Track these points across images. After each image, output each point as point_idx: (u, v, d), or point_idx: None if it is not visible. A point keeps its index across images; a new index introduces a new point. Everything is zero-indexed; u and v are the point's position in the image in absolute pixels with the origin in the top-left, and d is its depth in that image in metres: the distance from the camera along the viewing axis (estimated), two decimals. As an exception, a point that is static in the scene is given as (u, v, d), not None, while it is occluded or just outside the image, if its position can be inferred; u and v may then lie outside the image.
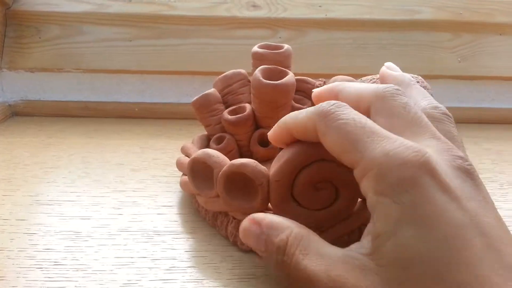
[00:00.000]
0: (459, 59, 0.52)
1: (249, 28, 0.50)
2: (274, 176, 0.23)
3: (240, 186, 0.24)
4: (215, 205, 0.27)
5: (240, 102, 0.35)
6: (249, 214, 0.23)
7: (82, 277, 0.24)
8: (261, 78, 0.31)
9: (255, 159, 0.33)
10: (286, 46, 0.35)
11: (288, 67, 0.34)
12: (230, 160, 0.32)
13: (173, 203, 0.32)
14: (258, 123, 0.34)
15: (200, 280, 0.24)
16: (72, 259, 0.25)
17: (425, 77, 0.51)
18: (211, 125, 0.34)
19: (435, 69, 0.51)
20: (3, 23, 0.48)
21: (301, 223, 0.22)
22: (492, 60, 0.52)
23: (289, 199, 0.23)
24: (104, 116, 0.49)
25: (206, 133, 0.36)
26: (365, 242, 0.18)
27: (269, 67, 0.33)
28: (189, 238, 0.28)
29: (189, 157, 0.31)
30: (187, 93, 0.50)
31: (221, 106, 0.34)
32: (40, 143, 0.42)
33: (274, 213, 0.24)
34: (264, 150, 0.34)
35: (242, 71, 0.35)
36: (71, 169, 0.37)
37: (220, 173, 0.24)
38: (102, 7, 0.49)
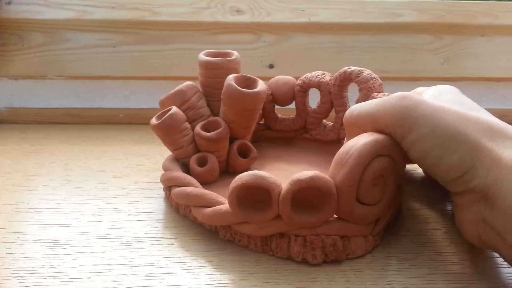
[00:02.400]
0: (441, 60, 0.52)
1: (233, 33, 0.51)
2: (346, 181, 0.23)
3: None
4: (272, 228, 0.25)
5: (202, 116, 0.34)
6: (318, 226, 0.24)
7: (59, 285, 0.24)
8: (239, 88, 0.31)
9: (235, 172, 0.34)
10: (234, 52, 0.35)
11: (239, 73, 0.34)
12: (212, 179, 0.32)
13: (154, 209, 0.32)
14: (232, 134, 0.34)
15: (178, 286, 0.24)
16: (50, 267, 0.25)
17: (409, 79, 0.52)
18: (183, 147, 0.32)
19: (418, 71, 0.52)
20: (-15, 31, 0.48)
21: (362, 220, 0.25)
22: (475, 61, 0.53)
23: (355, 200, 0.24)
24: (88, 122, 0.49)
25: (171, 154, 0.34)
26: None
27: (237, 76, 0.32)
28: (168, 244, 0.28)
29: (181, 185, 0.29)
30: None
31: (188, 125, 0.33)
32: (22, 151, 0.41)
33: (341, 217, 0.25)
34: (246, 162, 0.34)
35: (193, 83, 0.34)
36: (53, 176, 0.36)
37: (285, 192, 0.23)
38: (85, 14, 0.49)
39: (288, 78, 0.38)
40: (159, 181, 0.36)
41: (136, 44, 0.50)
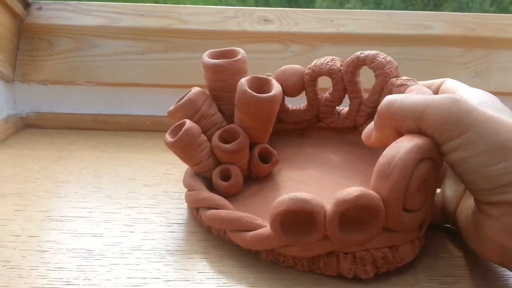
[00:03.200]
0: (473, 74, 0.51)
1: (260, 42, 0.50)
2: (393, 195, 0.23)
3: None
4: (319, 249, 0.24)
5: (215, 124, 0.32)
6: (367, 243, 0.24)
7: (95, 298, 0.23)
8: (254, 94, 0.29)
9: (258, 177, 0.33)
10: (239, 50, 0.32)
11: (246, 72, 0.32)
12: (236, 191, 0.32)
13: (185, 220, 0.31)
14: (251, 140, 0.32)
15: (214, 302, 0.24)
16: (84, 279, 0.25)
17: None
18: (203, 162, 0.31)
19: (447, 84, 0.51)
20: (16, 36, 0.49)
21: (410, 227, 0.24)
22: (506, 75, 0.52)
23: (402, 210, 0.23)
24: (115, 129, 0.49)
25: (190, 169, 0.32)
26: None
27: (249, 79, 0.30)
28: (201, 258, 0.27)
29: (212, 207, 0.28)
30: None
31: (204, 137, 0.31)
32: (51, 156, 0.41)
33: (388, 228, 0.24)
34: (268, 167, 0.33)
35: (200, 89, 0.32)
36: (83, 183, 0.36)
37: (331, 214, 0.23)
38: (114, 21, 0.49)
39: (296, 67, 0.35)
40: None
41: (163, 52, 0.50)
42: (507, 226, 0.22)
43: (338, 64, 0.34)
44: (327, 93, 0.35)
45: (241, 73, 0.32)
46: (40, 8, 0.50)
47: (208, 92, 0.33)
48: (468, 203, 0.26)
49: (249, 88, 0.30)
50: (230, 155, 0.31)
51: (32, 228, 0.30)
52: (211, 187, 0.31)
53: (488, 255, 0.24)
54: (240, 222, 0.27)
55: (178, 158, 0.31)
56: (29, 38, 0.49)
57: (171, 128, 0.31)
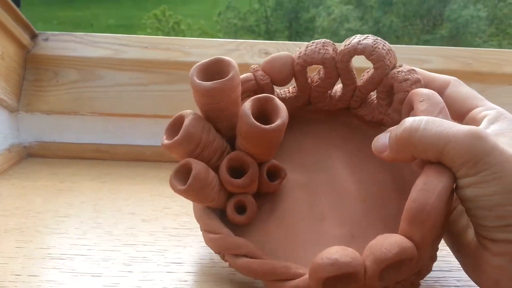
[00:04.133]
0: (468, 108, 0.52)
1: (261, 75, 0.51)
2: (426, 241, 0.23)
3: None
4: None
5: (217, 150, 0.30)
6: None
7: None
8: (261, 126, 0.27)
9: (265, 193, 0.32)
10: (229, 62, 0.29)
11: (239, 85, 0.30)
12: (251, 220, 0.31)
13: (183, 259, 0.32)
14: (257, 161, 0.31)
15: None
16: (83, 322, 0.25)
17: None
18: (215, 198, 0.30)
19: (444, 118, 0.52)
20: (22, 66, 0.50)
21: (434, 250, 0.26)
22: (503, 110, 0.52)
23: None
24: (116, 159, 0.50)
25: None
26: None
27: (251, 104, 0.28)
28: (199, 301, 0.28)
29: (241, 254, 0.28)
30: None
31: (213, 173, 0.29)
32: (52, 188, 0.42)
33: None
34: (277, 185, 0.31)
35: (195, 114, 0.29)
36: (83, 218, 0.37)
37: (372, 272, 0.23)
38: (118, 53, 0.50)
39: (284, 56, 0.32)
40: (186, 227, 0.36)
41: (166, 84, 0.51)
42: (505, 263, 0.22)
43: (330, 50, 0.31)
44: (317, 77, 0.33)
45: (236, 89, 0.29)
46: (46, 39, 0.51)
47: (201, 114, 0.30)
48: (472, 232, 0.26)
49: (252, 113, 0.28)
50: (243, 188, 0.30)
51: (32, 267, 0.30)
52: (222, 215, 0.31)
53: (483, 286, 0.24)
54: (275, 272, 0.27)
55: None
56: (35, 69, 0.50)
57: (176, 170, 0.29)
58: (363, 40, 0.30)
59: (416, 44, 5.72)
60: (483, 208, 0.23)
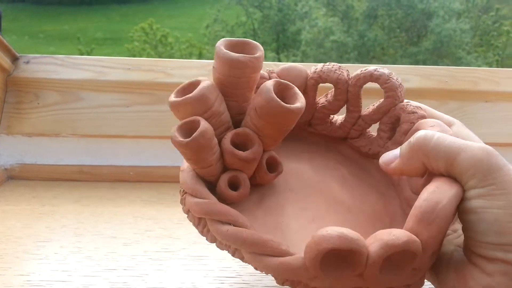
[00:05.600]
0: (446, 125, 0.53)
1: (243, 95, 0.52)
2: (431, 241, 0.23)
3: None
4: (348, 283, 0.24)
5: (223, 124, 0.29)
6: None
7: None
8: (284, 104, 0.27)
9: (258, 184, 0.31)
10: (257, 45, 0.29)
11: (260, 70, 0.30)
12: (242, 200, 0.29)
13: (164, 284, 0.32)
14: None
15: None
16: None
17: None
18: (212, 165, 0.28)
19: (423, 136, 0.53)
20: (3, 89, 0.50)
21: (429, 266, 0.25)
22: (479, 126, 0.54)
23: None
24: (99, 180, 0.50)
25: (189, 168, 0.29)
26: None
27: (275, 84, 0.28)
28: (178, 327, 0.28)
29: (228, 222, 0.26)
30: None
31: (216, 140, 0.28)
32: (33, 212, 0.42)
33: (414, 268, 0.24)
34: (273, 176, 0.31)
35: (211, 82, 0.28)
36: (64, 243, 0.37)
37: (376, 257, 0.22)
38: (101, 75, 0.51)
39: (300, 68, 0.33)
40: (168, 250, 0.36)
41: (149, 104, 0.51)
42: (496, 283, 0.23)
43: (345, 74, 0.32)
44: (325, 99, 0.33)
45: (258, 71, 0.28)
46: (27, 62, 0.51)
47: (216, 85, 0.29)
48: (451, 247, 0.27)
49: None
50: (244, 163, 0.28)
51: (11, 296, 0.30)
52: (211, 190, 0.29)
53: None
54: (265, 246, 0.25)
55: (183, 158, 0.28)
56: (16, 91, 0.50)
57: (180, 124, 0.27)
58: (380, 68, 0.31)
59: (401, 56, 5.81)
60: (486, 221, 0.23)
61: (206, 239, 0.28)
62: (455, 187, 0.24)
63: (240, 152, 0.28)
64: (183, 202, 0.29)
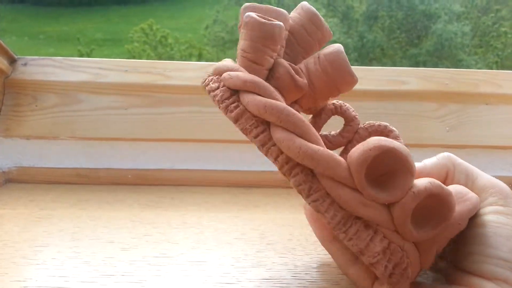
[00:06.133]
0: (447, 128, 0.53)
1: (242, 98, 0.52)
2: (458, 219, 0.24)
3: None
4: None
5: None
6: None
7: None
8: (349, 64, 0.27)
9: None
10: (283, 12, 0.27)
11: None
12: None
13: (162, 290, 0.32)
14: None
15: None
16: None
17: (415, 146, 0.53)
18: (263, 67, 0.26)
19: (424, 138, 0.53)
20: (1, 91, 0.50)
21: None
22: (480, 129, 0.54)
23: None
24: (97, 183, 0.49)
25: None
26: None
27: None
28: (175, 334, 0.27)
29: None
30: (181, 159, 0.51)
31: (282, 48, 0.27)
32: (31, 216, 0.42)
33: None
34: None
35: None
36: (61, 247, 0.36)
37: (423, 189, 0.23)
38: (98, 77, 0.50)
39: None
40: (166, 256, 0.36)
41: (147, 107, 0.51)
42: None
43: (358, 118, 0.32)
44: (330, 134, 0.33)
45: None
46: (25, 64, 0.51)
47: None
48: None
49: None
50: (298, 90, 0.26)
51: (7, 302, 0.30)
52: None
53: None
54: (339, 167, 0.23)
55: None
56: (14, 94, 0.50)
57: (260, 10, 0.26)
58: (394, 128, 0.32)
59: (401, 57, 5.81)
60: (503, 236, 0.23)
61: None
62: (475, 198, 0.25)
63: (298, 78, 0.26)
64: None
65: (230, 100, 0.25)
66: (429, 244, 0.23)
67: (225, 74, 0.26)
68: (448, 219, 0.23)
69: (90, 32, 7.98)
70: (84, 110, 0.50)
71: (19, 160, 0.50)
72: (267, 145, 0.24)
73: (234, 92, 0.26)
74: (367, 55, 5.78)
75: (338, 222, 0.23)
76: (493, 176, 0.27)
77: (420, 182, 0.23)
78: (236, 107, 0.25)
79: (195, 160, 0.51)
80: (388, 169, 0.23)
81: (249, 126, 0.25)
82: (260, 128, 0.24)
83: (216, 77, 0.27)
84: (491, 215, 0.24)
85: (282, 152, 0.24)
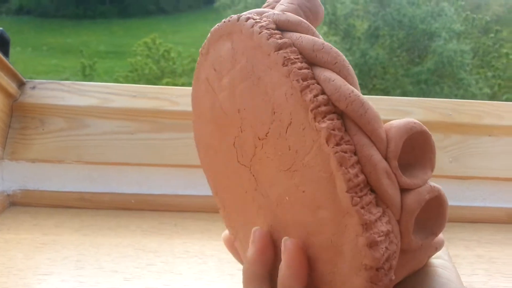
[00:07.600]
0: (450, 159, 0.53)
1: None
2: None
3: None
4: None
5: None
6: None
7: None
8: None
9: None
10: None
11: None
12: None
13: (165, 324, 0.32)
14: None
15: None
16: None
17: (418, 176, 0.53)
18: None
19: (427, 169, 0.53)
20: (8, 114, 0.50)
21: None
22: (483, 160, 0.54)
23: None
24: (100, 207, 0.49)
25: None
26: None
27: None
28: None
29: None
30: (184, 185, 0.51)
31: None
32: (34, 241, 0.42)
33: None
34: None
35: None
36: (65, 276, 0.36)
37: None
38: (106, 101, 0.51)
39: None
40: (170, 285, 0.36)
41: (153, 132, 0.51)
42: None
43: None
44: None
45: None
46: (34, 88, 0.51)
47: None
48: None
49: None
50: None
51: (10, 335, 0.29)
52: None
53: None
54: None
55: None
56: (21, 117, 0.51)
57: None
58: None
59: (402, 75, 5.84)
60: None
61: None
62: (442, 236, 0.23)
63: None
64: None
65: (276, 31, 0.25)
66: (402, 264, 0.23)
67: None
68: (442, 228, 0.23)
69: (93, 44, 8.05)
70: (91, 135, 0.50)
71: (24, 183, 0.50)
72: (308, 81, 0.23)
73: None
74: (369, 72, 5.82)
75: (357, 184, 0.21)
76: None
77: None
78: (280, 38, 0.24)
79: (199, 186, 0.51)
80: (411, 156, 0.22)
81: (294, 57, 0.24)
82: (304, 64, 0.23)
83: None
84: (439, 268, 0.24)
85: (324, 93, 0.23)
